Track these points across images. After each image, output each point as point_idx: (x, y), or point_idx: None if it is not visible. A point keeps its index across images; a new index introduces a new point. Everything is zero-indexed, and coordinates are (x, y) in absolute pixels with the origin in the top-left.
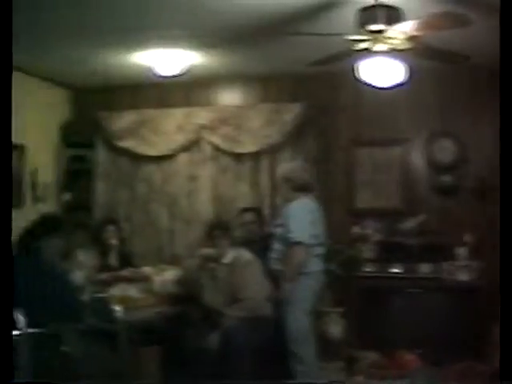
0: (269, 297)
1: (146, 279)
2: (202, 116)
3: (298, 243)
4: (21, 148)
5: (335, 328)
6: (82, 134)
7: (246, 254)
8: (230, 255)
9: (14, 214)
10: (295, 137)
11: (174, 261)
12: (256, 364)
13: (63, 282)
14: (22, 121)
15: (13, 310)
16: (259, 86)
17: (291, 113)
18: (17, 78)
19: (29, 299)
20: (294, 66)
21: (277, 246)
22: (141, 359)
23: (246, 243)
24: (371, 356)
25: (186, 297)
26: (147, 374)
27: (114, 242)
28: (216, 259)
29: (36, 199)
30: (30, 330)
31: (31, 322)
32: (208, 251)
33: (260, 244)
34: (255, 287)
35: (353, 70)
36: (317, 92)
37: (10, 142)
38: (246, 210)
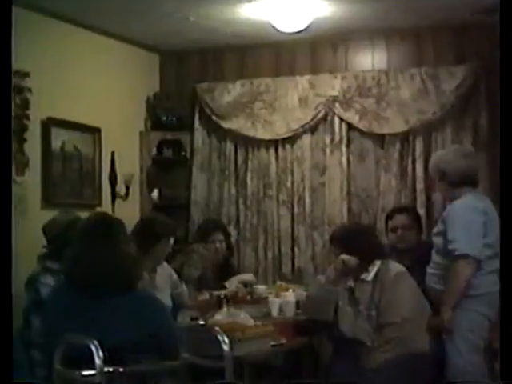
0: (427, 325)
1: (260, 301)
2: (332, 85)
3: (465, 256)
4: (97, 131)
5: None
6: (175, 112)
7: (395, 267)
8: (373, 268)
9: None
10: (459, 111)
11: (296, 277)
12: None
13: (153, 309)
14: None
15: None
16: (409, 43)
17: (454, 79)
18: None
19: (108, 330)
20: (456, 14)
21: (437, 258)
22: None
23: (397, 254)
24: None
25: (313, 324)
26: None
27: (219, 251)
28: (355, 272)
29: (115, 197)
30: (108, 369)
31: (110, 358)
32: (347, 258)
33: (415, 255)
34: (409, 309)
35: None
36: (489, 50)
37: (10, 141)
38: (396, 210)
